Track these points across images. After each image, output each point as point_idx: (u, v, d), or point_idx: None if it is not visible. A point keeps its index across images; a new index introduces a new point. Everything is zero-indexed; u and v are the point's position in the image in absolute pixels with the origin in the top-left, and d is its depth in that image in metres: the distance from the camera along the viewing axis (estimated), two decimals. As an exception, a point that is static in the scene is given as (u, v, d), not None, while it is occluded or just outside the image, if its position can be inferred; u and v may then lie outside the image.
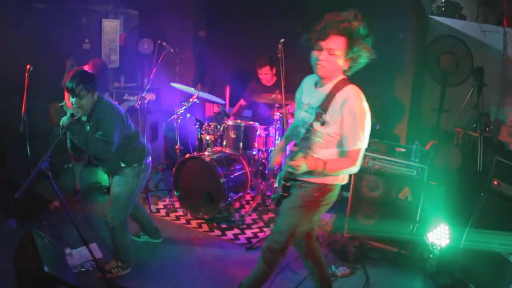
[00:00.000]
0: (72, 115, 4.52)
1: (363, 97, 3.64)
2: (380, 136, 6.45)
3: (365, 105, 3.62)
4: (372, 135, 6.40)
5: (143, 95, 7.16)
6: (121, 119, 4.80)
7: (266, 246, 4.18)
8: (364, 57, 3.68)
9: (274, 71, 7.24)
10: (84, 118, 4.73)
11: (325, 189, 3.88)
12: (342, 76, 3.77)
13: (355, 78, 3.79)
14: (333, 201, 4.03)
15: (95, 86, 4.62)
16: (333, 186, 3.90)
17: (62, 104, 4.75)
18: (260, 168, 7.29)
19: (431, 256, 5.27)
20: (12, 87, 6.51)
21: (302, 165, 3.50)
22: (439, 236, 5.22)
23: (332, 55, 3.61)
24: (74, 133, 4.59)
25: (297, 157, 3.53)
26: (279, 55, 5.64)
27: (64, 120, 4.54)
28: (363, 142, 3.64)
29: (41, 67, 6.67)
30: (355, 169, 3.71)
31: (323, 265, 4.46)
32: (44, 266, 4.10)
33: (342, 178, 3.93)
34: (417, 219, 5.48)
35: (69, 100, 4.68)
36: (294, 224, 4.00)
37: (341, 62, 3.65)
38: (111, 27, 9.49)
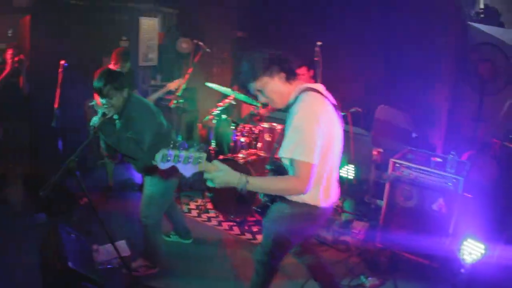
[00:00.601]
0: (104, 115, 4.51)
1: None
2: (417, 144, 6.33)
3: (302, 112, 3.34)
4: (409, 143, 6.34)
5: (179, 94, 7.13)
6: (153, 116, 4.79)
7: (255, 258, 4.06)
8: None
9: (311, 73, 7.13)
10: (115, 116, 4.72)
11: (295, 206, 3.57)
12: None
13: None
14: (316, 222, 3.77)
15: (122, 83, 4.59)
16: (304, 206, 3.54)
17: (92, 103, 4.72)
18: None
19: (462, 271, 5.13)
20: (49, 83, 6.55)
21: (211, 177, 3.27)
22: (471, 250, 5.07)
23: None
24: (105, 134, 4.60)
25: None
26: (316, 59, 5.54)
27: (95, 120, 4.56)
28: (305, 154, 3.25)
29: (78, 63, 6.72)
30: (301, 189, 3.26)
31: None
32: (68, 261, 4.10)
33: (314, 199, 3.53)
34: (450, 232, 5.34)
35: (99, 99, 4.66)
36: (271, 239, 3.84)
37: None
38: (150, 25, 9.53)
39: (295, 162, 3.25)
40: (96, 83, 4.52)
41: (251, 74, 3.43)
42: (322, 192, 3.51)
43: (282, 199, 3.64)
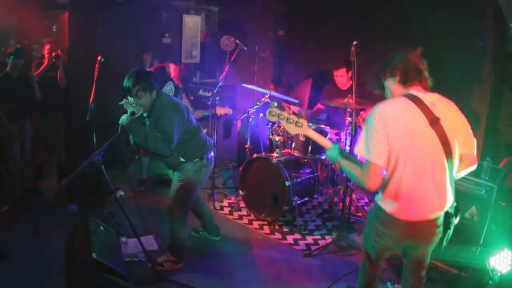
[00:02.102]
0: (133, 113, 4.57)
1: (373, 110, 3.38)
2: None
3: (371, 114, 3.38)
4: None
5: (216, 108, 7.18)
6: (181, 115, 4.81)
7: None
8: None
9: (350, 74, 7.06)
10: (144, 114, 4.76)
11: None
12: None
13: (432, 86, 3.59)
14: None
15: (152, 84, 4.63)
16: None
17: (122, 103, 4.77)
18: (330, 174, 7.15)
19: (490, 282, 4.97)
20: (86, 78, 6.65)
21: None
22: (502, 261, 4.90)
23: None
24: (133, 132, 4.67)
25: None
26: (352, 58, 5.48)
27: (123, 118, 4.61)
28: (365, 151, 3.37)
29: (117, 58, 6.79)
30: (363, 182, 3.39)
31: None
32: (92, 252, 4.14)
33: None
34: (481, 241, 5.18)
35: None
36: None
37: None
38: (192, 23, 9.59)
39: None
40: (126, 83, 4.58)
41: None
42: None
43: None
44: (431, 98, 3.36)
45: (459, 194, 5.20)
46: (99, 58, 6.27)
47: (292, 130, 3.61)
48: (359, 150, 3.38)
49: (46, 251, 5.37)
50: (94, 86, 6.28)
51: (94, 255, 4.16)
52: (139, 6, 8.44)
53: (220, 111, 7.27)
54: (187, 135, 4.90)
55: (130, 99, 4.61)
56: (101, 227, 4.91)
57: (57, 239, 5.46)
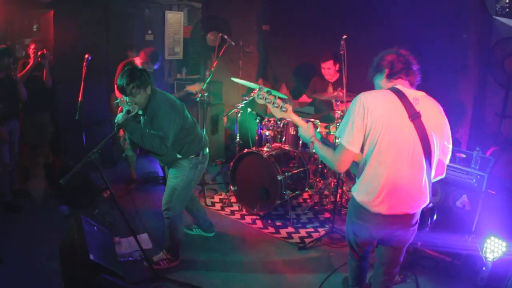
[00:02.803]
0: (128, 112, 4.55)
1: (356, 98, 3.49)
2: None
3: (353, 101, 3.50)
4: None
5: (203, 87, 7.13)
6: (177, 111, 4.79)
7: None
8: None
9: (337, 67, 7.08)
10: (140, 112, 4.73)
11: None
12: None
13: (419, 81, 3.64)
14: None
15: (145, 81, 4.59)
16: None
17: (117, 101, 4.75)
18: (320, 166, 7.18)
19: (483, 268, 5.03)
20: (72, 76, 6.60)
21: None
22: (494, 248, 4.97)
23: None
24: (129, 131, 4.63)
25: None
26: (341, 52, 5.50)
27: (119, 117, 4.57)
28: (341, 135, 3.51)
29: (103, 57, 6.74)
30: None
31: None
32: (89, 254, 4.12)
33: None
34: (473, 229, 5.24)
35: (122, 96, 4.68)
36: None
37: None
38: (175, 19, 9.56)
39: None
40: (119, 81, 4.54)
41: None
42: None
43: None
44: (415, 94, 3.47)
45: (451, 184, 5.28)
46: (86, 56, 6.22)
47: (278, 114, 3.79)
48: (338, 133, 3.54)
49: (41, 254, 5.32)
50: (82, 84, 6.22)
51: (91, 256, 4.14)
52: (123, 3, 8.39)
53: (191, 88, 7.23)
54: (183, 131, 4.89)
55: (126, 97, 4.58)
56: (95, 228, 4.88)
57: (50, 241, 5.44)
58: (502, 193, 5.35)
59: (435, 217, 3.71)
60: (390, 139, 3.36)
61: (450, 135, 3.63)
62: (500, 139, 6.89)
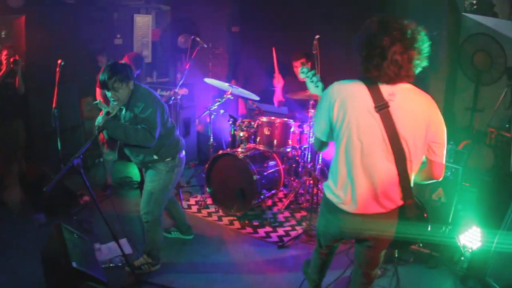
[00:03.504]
0: (108, 113, 4.51)
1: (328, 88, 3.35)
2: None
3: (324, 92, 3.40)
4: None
5: (176, 90, 7.11)
6: (161, 104, 4.79)
7: None
8: None
9: (309, 65, 7.10)
10: (122, 106, 4.71)
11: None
12: None
13: None
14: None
15: (128, 75, 4.56)
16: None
17: (96, 102, 4.71)
18: (294, 165, 7.24)
19: (462, 258, 5.14)
20: (43, 82, 6.53)
21: None
22: (471, 238, 5.09)
23: None
24: (111, 131, 4.60)
25: None
26: (314, 52, 5.53)
27: (99, 119, 4.55)
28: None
29: (72, 62, 6.68)
30: None
31: None
32: (72, 261, 4.09)
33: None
34: (450, 221, 5.34)
35: (102, 97, 4.64)
36: None
37: None
38: (143, 22, 9.51)
39: None
40: (101, 76, 4.50)
41: None
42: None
43: None
44: (394, 88, 3.16)
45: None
46: (59, 61, 6.16)
47: (312, 89, 3.74)
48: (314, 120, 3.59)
49: (21, 263, 5.24)
50: (56, 90, 6.16)
51: (74, 264, 4.11)
52: (92, 7, 8.33)
53: (180, 92, 7.21)
54: (164, 130, 4.88)
55: (107, 93, 4.54)
56: (75, 235, 4.84)
57: (29, 250, 5.37)
58: (476, 185, 5.48)
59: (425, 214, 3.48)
60: (358, 132, 3.17)
61: (442, 134, 3.27)
62: (472, 132, 7.02)
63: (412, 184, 3.23)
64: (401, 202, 3.25)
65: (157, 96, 4.84)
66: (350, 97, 3.20)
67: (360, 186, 3.23)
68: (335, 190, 3.35)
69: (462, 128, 7.33)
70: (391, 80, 3.10)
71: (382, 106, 3.10)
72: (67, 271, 4.07)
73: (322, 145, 3.55)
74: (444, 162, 3.32)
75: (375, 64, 3.07)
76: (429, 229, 3.46)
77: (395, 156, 3.14)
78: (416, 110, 3.16)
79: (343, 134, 3.21)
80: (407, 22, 3.14)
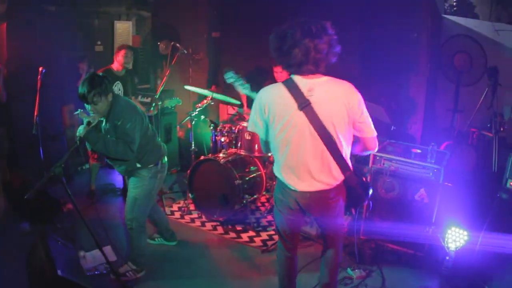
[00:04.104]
0: (89, 123, 4.53)
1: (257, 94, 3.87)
2: (396, 136, 6.39)
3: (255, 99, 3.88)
4: (388, 135, 6.41)
5: (152, 106, 7.16)
6: (140, 117, 4.80)
7: None
8: None
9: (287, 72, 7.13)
10: (102, 118, 4.72)
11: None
12: None
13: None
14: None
15: (106, 88, 4.57)
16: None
17: (77, 112, 4.72)
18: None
19: (446, 258, 5.20)
20: (25, 90, 6.51)
21: None
22: (455, 238, 5.14)
23: None
24: (91, 142, 4.62)
25: None
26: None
27: (80, 130, 4.55)
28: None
29: (54, 69, 6.66)
30: None
31: None
32: (57, 270, 4.08)
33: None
34: (433, 221, 5.41)
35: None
36: None
37: None
38: (124, 29, 9.48)
39: None
40: (80, 90, 4.50)
41: None
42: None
43: None
44: (311, 84, 3.62)
45: (408, 179, 5.43)
46: (40, 69, 6.15)
47: (242, 91, 4.68)
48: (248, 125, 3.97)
49: (5, 273, 5.20)
50: (37, 98, 6.15)
51: (59, 272, 4.10)
52: (73, 14, 8.32)
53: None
54: (144, 139, 4.88)
55: (87, 106, 4.56)
56: (59, 243, 4.85)
57: (14, 259, 5.33)
58: (458, 185, 5.55)
59: (370, 191, 3.98)
60: (286, 130, 3.67)
61: (362, 111, 3.70)
62: (453, 133, 7.11)
63: (348, 158, 3.79)
64: (342, 177, 3.81)
65: (136, 107, 4.86)
66: (275, 101, 3.69)
67: (295, 170, 3.77)
68: (280, 172, 3.88)
69: (443, 129, 7.42)
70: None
71: (304, 105, 3.58)
72: (52, 280, 4.06)
73: (266, 144, 3.96)
74: (374, 135, 3.82)
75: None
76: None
77: (324, 142, 3.63)
78: (335, 98, 3.62)
79: (277, 133, 3.72)
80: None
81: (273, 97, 3.70)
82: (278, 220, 4.16)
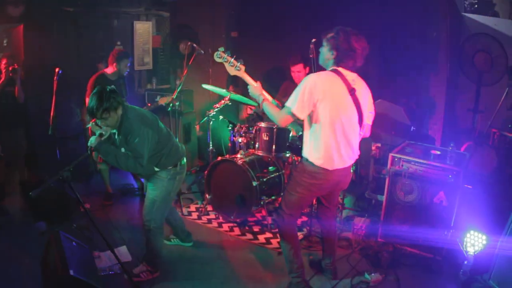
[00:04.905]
0: (101, 135, 4.54)
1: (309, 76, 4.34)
2: (416, 137, 6.30)
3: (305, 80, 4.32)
4: (407, 136, 6.32)
5: (173, 97, 7.08)
6: (150, 127, 4.73)
7: None
8: None
9: (307, 70, 7.08)
10: (114, 130, 4.71)
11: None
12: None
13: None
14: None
15: (114, 103, 4.52)
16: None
17: (89, 125, 4.72)
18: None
19: (465, 262, 5.09)
20: (43, 90, 6.53)
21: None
22: (474, 242, 5.02)
23: None
24: (102, 154, 4.63)
25: None
26: (311, 56, 5.51)
27: (92, 140, 4.56)
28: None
29: (73, 70, 6.67)
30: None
31: None
32: (69, 269, 4.08)
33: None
34: (452, 224, 5.30)
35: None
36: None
37: None
38: (144, 29, 9.49)
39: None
40: (89, 105, 4.50)
41: None
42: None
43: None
44: (352, 76, 4.38)
45: (427, 181, 5.35)
46: (57, 70, 6.16)
47: (232, 72, 4.57)
48: (289, 103, 4.28)
49: (20, 272, 5.23)
50: (54, 99, 6.16)
51: (71, 272, 4.09)
52: (91, 15, 8.34)
53: (162, 101, 7.15)
54: (159, 145, 4.85)
55: (97, 121, 4.55)
56: (74, 243, 4.83)
57: (29, 258, 5.36)
58: (478, 187, 5.43)
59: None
60: (337, 110, 4.27)
61: (372, 105, 4.69)
62: (474, 134, 6.98)
63: None
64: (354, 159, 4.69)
65: (145, 118, 4.81)
66: (329, 84, 4.27)
67: (335, 150, 4.40)
68: (318, 155, 4.41)
69: (464, 129, 7.29)
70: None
71: (352, 91, 4.31)
72: (64, 279, 4.06)
73: (291, 120, 4.37)
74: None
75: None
76: None
77: (359, 124, 4.47)
78: (366, 91, 4.57)
79: (325, 113, 4.25)
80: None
81: (327, 82, 4.26)
82: (302, 197, 4.69)
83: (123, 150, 4.73)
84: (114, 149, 4.68)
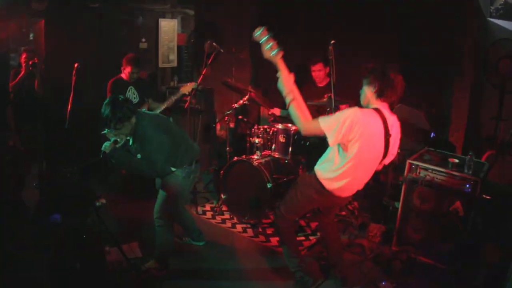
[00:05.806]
0: (115, 142, 4.60)
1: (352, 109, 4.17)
2: (436, 144, 6.19)
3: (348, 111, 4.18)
4: (427, 143, 6.22)
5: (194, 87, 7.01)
6: (163, 132, 4.75)
7: None
8: None
9: (327, 70, 7.01)
10: (129, 137, 4.74)
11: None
12: None
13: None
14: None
15: (127, 113, 4.51)
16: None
17: (104, 132, 4.72)
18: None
19: (480, 273, 4.97)
20: (63, 85, 6.56)
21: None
22: (490, 252, 4.92)
23: None
24: (116, 160, 4.66)
25: None
26: (330, 57, 5.44)
27: (106, 145, 4.60)
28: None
29: (97, 65, 6.68)
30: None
31: None
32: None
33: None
34: (468, 235, 5.18)
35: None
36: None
37: None
38: (169, 27, 9.52)
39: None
40: (103, 112, 4.50)
41: None
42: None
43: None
44: (391, 120, 4.31)
45: (444, 190, 5.24)
46: (75, 65, 6.19)
47: (267, 54, 4.11)
48: (324, 121, 4.13)
49: (37, 263, 5.23)
50: (72, 94, 6.19)
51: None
52: (115, 11, 8.36)
53: (184, 89, 7.07)
54: (174, 148, 4.85)
55: (111, 130, 4.56)
56: (85, 237, 4.85)
57: (45, 249, 5.36)
58: (497, 197, 5.30)
59: None
60: (367, 150, 4.24)
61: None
62: (497, 142, 6.82)
63: None
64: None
65: (157, 124, 4.81)
66: (371, 124, 4.19)
67: (353, 183, 4.50)
68: (334, 183, 4.45)
69: (487, 138, 7.15)
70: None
71: (388, 136, 4.28)
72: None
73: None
74: None
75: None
76: None
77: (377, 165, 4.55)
78: (397, 136, 4.48)
79: (357, 150, 4.19)
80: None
81: (367, 123, 4.15)
82: (302, 206, 4.89)
83: (138, 156, 4.75)
84: (127, 155, 4.72)
